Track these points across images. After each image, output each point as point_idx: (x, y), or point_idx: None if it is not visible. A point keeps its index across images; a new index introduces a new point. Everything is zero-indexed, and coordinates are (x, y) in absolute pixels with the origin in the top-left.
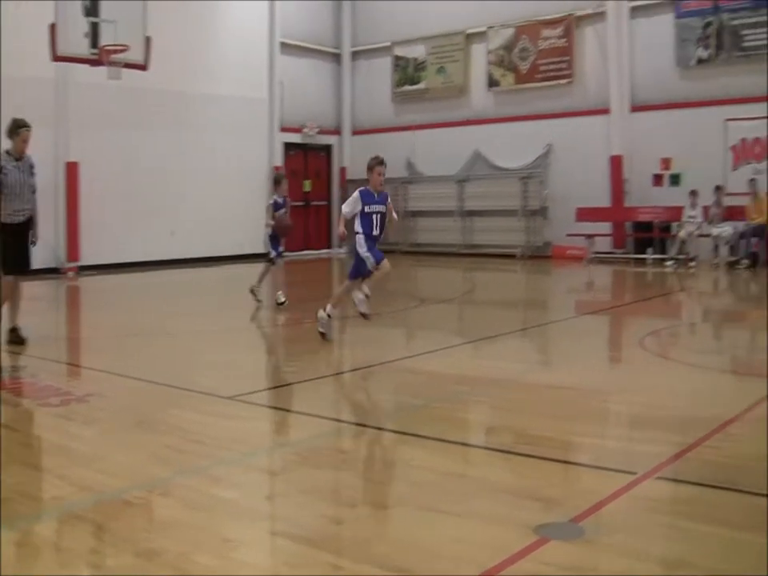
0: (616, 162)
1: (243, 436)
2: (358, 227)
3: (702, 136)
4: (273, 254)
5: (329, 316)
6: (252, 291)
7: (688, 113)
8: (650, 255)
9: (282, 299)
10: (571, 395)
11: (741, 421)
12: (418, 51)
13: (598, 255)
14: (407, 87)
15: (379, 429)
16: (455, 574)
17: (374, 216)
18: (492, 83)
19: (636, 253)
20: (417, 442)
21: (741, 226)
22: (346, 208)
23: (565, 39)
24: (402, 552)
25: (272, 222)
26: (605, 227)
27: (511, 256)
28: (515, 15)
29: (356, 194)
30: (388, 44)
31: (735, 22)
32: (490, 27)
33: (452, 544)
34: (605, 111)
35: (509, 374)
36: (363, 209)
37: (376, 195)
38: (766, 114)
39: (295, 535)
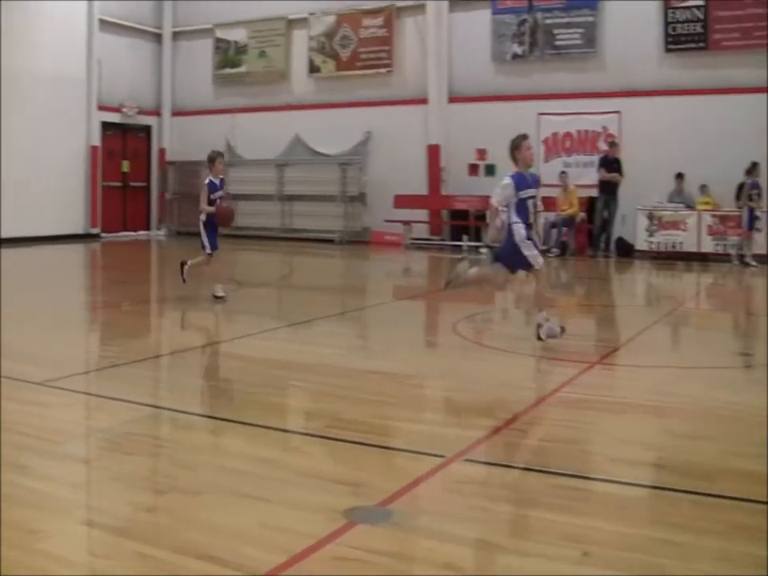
0: (433, 151)
1: (54, 423)
2: (513, 217)
3: (516, 129)
4: (208, 249)
5: (547, 320)
6: (215, 296)
7: (503, 106)
8: (465, 242)
9: (221, 293)
10: (386, 380)
11: (547, 404)
12: (239, 34)
13: (415, 242)
14: (228, 70)
15: (194, 414)
16: (262, 559)
17: (529, 202)
18: (313, 69)
19: (452, 240)
20: (232, 428)
21: (551, 216)
22: (497, 198)
23: (385, 29)
24: (209, 538)
25: (209, 208)
26: (422, 214)
27: (330, 241)
28: (337, 3)
29: (507, 180)
30: (209, 26)
31: (549, 21)
32: (312, 14)
33: (260, 529)
34: (423, 101)
35: (326, 359)
36: (518, 195)
37: (528, 177)
38: (576, 111)
39: (104, 524)
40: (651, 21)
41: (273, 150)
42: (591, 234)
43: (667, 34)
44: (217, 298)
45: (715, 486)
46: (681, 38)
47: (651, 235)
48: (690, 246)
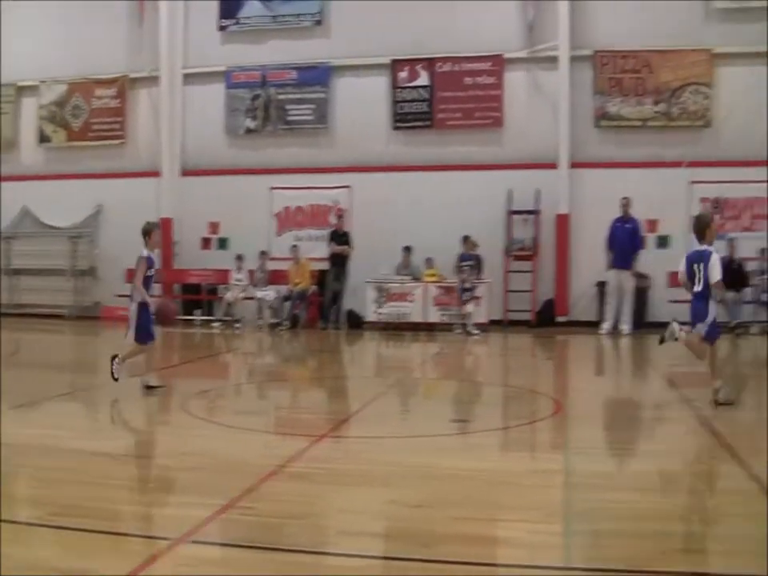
0: (166, 225)
1: None
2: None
3: (249, 203)
4: (133, 337)
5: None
6: (147, 386)
7: (236, 179)
8: (198, 317)
9: (154, 383)
10: (113, 462)
11: (275, 479)
12: None
13: None
14: None
15: None
16: None
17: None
18: (43, 139)
19: (185, 314)
20: None
21: (284, 289)
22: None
23: (118, 100)
24: None
25: (146, 299)
26: (154, 288)
27: (60, 316)
28: (68, 71)
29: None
30: None
31: (281, 97)
32: (42, 81)
33: None
34: (156, 174)
35: (51, 441)
36: None
37: None
38: (308, 185)
39: None
40: (380, 99)
41: None
42: (322, 306)
43: (395, 113)
44: (149, 388)
45: (441, 551)
46: (408, 116)
47: (380, 307)
48: (417, 317)
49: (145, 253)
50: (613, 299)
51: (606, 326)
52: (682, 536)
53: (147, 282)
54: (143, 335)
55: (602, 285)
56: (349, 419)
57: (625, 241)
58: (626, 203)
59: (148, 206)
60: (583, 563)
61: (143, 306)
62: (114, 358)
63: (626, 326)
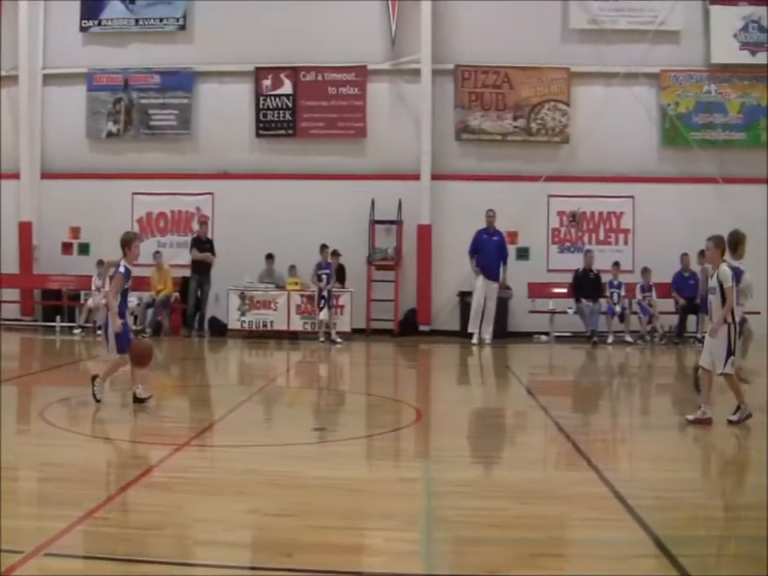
0: (25, 229)
1: None
2: None
3: (111, 207)
4: (114, 350)
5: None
6: (137, 398)
7: (97, 184)
8: (59, 323)
9: (145, 394)
10: None
11: (135, 489)
12: None
13: (5, 322)
14: None
15: None
16: None
17: None
18: None
19: (45, 320)
20: None
21: (146, 296)
22: None
23: None
24: None
25: (114, 317)
26: (13, 294)
27: None
28: None
29: None
30: None
31: (144, 101)
32: None
33: None
34: (15, 176)
35: None
36: None
37: None
38: (170, 191)
39: None
40: (244, 106)
41: None
42: (185, 313)
43: (258, 120)
44: (140, 400)
45: (302, 560)
46: (271, 124)
47: (243, 314)
48: (281, 325)
49: (122, 266)
50: (479, 309)
51: (476, 335)
52: (541, 542)
53: (124, 295)
54: (123, 343)
55: (463, 295)
56: (211, 428)
57: (493, 253)
58: (491, 215)
59: (6, 208)
60: (442, 570)
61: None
62: (94, 378)
63: (487, 336)
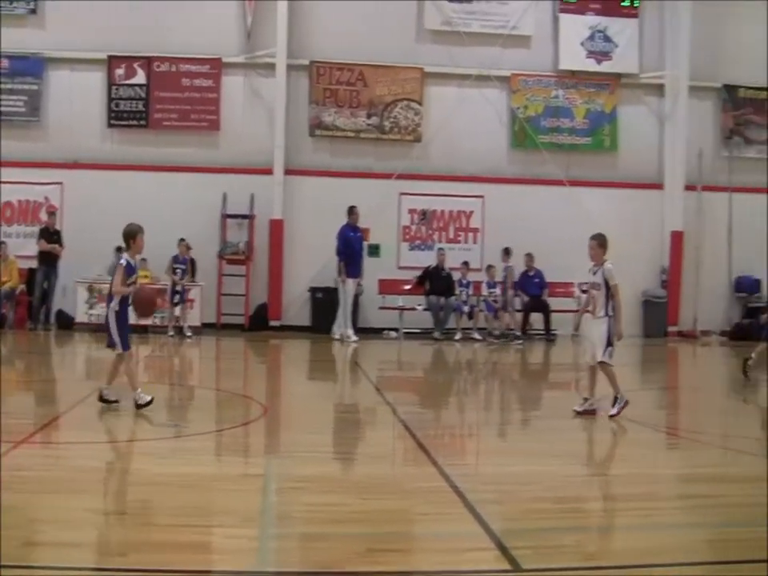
0: None
1: None
2: None
3: None
4: (119, 347)
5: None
6: (103, 398)
7: None
8: None
9: (147, 398)
10: None
11: None
12: None
13: None
14: None
15: None
16: None
17: None
18: None
19: None
20: None
21: None
22: None
23: None
24: None
25: (125, 290)
26: None
27: None
28: None
29: None
30: None
31: None
32: None
33: None
34: None
35: None
36: None
37: None
38: (17, 180)
39: None
40: (95, 95)
41: None
42: (31, 306)
43: (111, 110)
44: (141, 406)
45: (135, 559)
46: (123, 114)
47: (92, 308)
48: (130, 318)
49: (124, 260)
50: (349, 311)
51: (349, 332)
52: (378, 536)
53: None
54: (125, 341)
55: (315, 290)
56: (52, 423)
57: (358, 249)
58: (356, 212)
59: None
60: (279, 567)
61: (121, 314)
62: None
63: (350, 331)
